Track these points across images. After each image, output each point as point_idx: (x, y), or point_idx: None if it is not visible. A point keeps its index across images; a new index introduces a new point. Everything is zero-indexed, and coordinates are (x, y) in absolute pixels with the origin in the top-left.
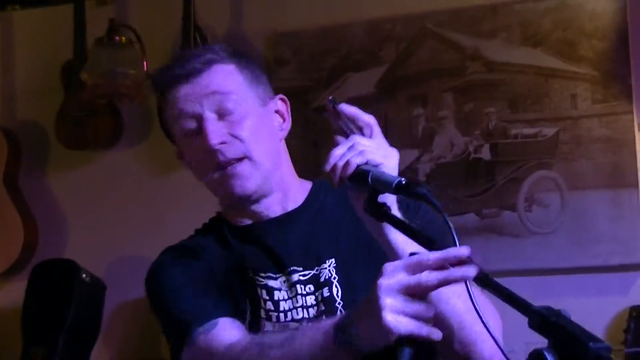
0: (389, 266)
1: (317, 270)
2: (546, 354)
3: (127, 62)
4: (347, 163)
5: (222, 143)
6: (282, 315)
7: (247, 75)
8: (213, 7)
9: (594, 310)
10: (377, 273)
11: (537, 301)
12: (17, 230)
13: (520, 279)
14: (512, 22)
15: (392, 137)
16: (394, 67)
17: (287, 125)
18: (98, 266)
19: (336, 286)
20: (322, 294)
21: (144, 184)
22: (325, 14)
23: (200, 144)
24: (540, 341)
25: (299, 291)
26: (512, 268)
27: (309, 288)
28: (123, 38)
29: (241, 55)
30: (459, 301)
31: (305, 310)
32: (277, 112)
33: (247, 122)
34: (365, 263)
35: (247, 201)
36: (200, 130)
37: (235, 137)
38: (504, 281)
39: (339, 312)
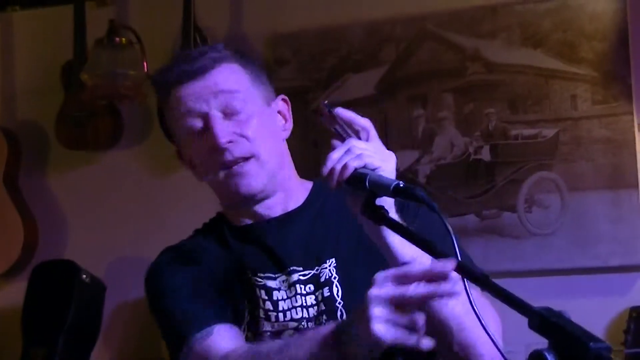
0: (379, 276)
1: (317, 270)
2: (546, 354)
3: (127, 63)
4: (344, 166)
5: (229, 142)
6: (280, 315)
7: (251, 74)
8: (213, 7)
9: (594, 311)
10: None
11: (537, 302)
12: (17, 230)
13: (520, 280)
14: (512, 23)
15: (392, 138)
16: (394, 67)
17: (289, 125)
18: (98, 266)
19: (336, 286)
20: (322, 293)
21: (144, 184)
22: (325, 14)
23: (206, 143)
24: (540, 342)
25: (299, 291)
26: (512, 269)
27: (309, 288)
28: (123, 39)
29: (243, 54)
30: (458, 303)
31: (304, 309)
32: (279, 112)
33: (253, 122)
34: (365, 263)
35: (251, 200)
36: (206, 129)
37: (242, 136)
38: (504, 282)
39: (339, 312)
